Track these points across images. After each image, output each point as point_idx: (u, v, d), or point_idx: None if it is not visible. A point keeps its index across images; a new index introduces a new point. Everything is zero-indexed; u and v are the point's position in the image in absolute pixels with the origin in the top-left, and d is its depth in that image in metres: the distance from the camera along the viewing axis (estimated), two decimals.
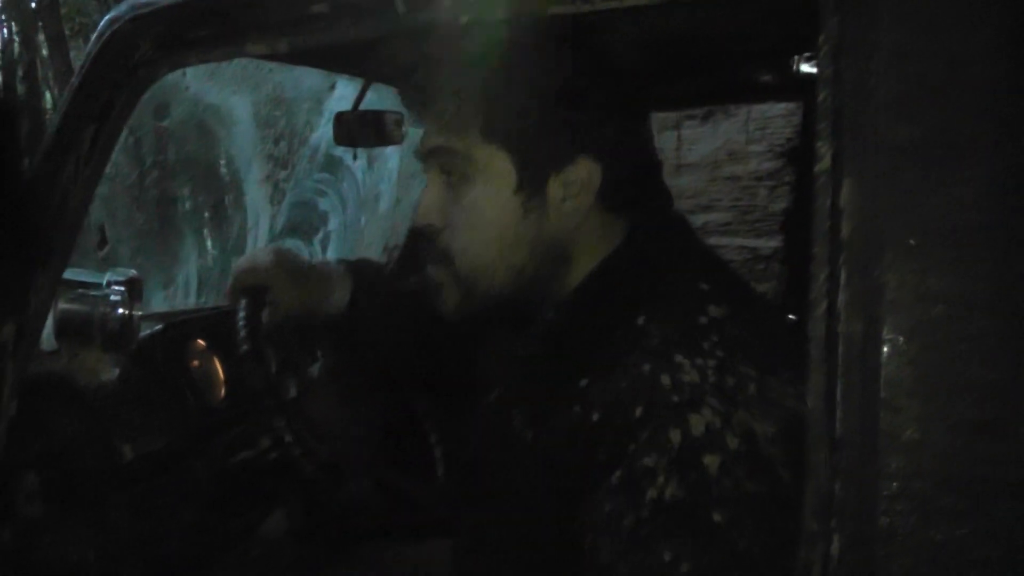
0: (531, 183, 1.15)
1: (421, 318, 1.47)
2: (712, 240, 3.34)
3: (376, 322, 1.61)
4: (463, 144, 1.15)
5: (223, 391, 1.72)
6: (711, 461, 0.94)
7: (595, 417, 1.05)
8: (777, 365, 1.03)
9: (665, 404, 0.99)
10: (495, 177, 1.15)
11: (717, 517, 0.92)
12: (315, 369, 1.60)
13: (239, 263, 1.56)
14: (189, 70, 4.94)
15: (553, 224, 1.17)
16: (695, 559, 0.93)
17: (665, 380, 1.01)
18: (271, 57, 1.34)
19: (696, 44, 1.57)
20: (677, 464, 0.95)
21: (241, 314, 1.38)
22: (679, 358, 1.02)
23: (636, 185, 1.21)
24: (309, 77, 4.95)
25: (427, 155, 1.20)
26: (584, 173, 1.16)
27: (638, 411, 1.00)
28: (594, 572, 1.01)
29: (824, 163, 0.77)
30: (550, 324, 1.19)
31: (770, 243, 3.27)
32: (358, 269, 1.62)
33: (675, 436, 0.96)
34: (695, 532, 0.93)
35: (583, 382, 1.09)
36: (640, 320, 1.10)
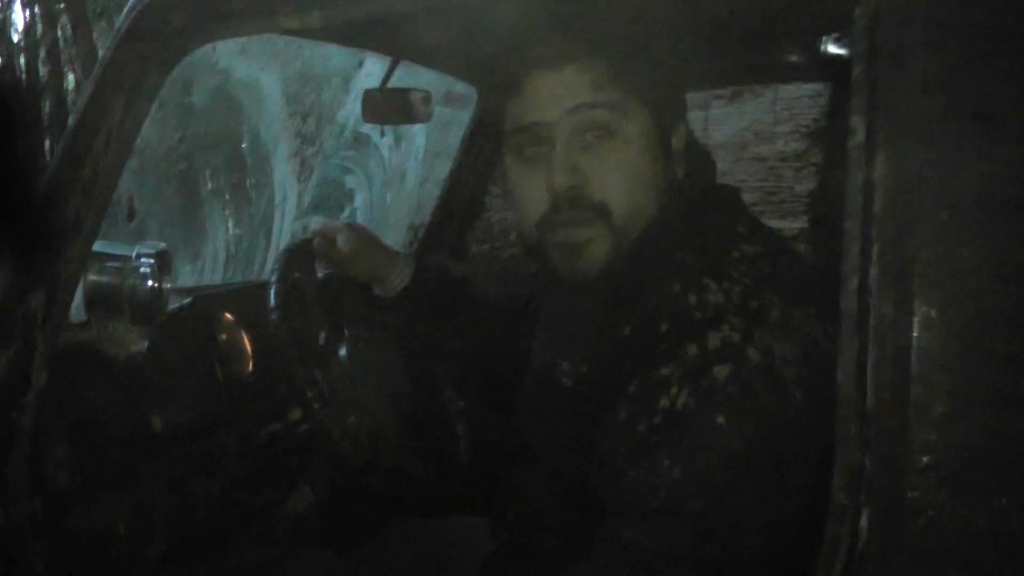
0: (663, 138, 1.21)
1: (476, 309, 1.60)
2: None
3: (426, 316, 1.65)
4: (616, 98, 1.18)
5: (251, 364, 1.73)
6: (721, 371, 1.00)
7: (626, 332, 1.11)
8: (804, 300, 1.08)
9: (688, 320, 1.05)
10: (640, 129, 1.19)
11: (720, 420, 0.98)
12: (342, 344, 1.61)
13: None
14: (219, 45, 4.94)
15: (672, 177, 1.23)
16: (696, 463, 0.99)
17: (691, 299, 1.07)
18: (301, 33, 1.34)
19: (725, 23, 1.57)
20: (691, 375, 1.01)
21: (273, 285, 1.39)
22: (707, 280, 1.08)
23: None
24: (337, 54, 4.93)
25: (567, 113, 1.18)
26: (684, 130, 1.25)
27: (663, 327, 1.07)
28: (608, 477, 1.07)
29: (858, 137, 0.77)
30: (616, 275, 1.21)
31: (795, 224, 3.26)
32: (423, 262, 1.65)
33: (692, 349, 1.02)
34: (699, 437, 1.00)
35: (623, 305, 1.15)
36: (677, 254, 1.15)
